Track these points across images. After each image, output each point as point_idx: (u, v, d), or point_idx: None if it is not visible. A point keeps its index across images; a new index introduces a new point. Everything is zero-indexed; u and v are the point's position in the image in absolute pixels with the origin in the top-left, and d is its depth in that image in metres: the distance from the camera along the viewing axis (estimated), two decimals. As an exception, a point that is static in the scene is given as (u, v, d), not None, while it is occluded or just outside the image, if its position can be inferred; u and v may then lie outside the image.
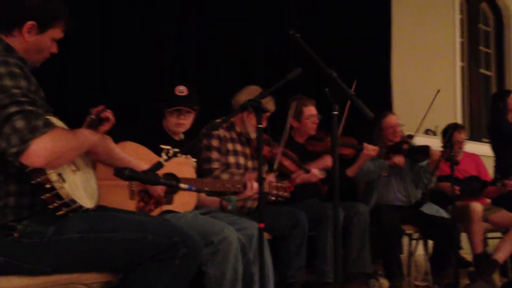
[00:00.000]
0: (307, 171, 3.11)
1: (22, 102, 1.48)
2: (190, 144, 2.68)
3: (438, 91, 3.78)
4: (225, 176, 2.83)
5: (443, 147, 3.58)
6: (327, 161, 3.36)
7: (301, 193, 3.28)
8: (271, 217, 2.80)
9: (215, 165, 2.85)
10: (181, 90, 2.56)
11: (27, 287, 1.60)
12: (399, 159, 3.72)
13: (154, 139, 2.52)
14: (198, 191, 2.07)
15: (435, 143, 4.51)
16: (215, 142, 2.88)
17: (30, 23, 1.66)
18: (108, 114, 2.14)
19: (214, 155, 2.86)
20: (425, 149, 3.74)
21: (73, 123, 2.00)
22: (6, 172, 1.55)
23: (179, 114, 2.55)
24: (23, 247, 1.56)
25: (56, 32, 1.73)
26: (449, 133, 3.49)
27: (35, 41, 1.69)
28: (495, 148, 4.56)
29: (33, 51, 1.71)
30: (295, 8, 4.14)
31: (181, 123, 2.57)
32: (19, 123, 1.44)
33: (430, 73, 5.57)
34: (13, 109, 1.46)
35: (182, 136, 2.72)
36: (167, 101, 2.56)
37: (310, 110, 3.50)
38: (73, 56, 2.84)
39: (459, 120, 5.89)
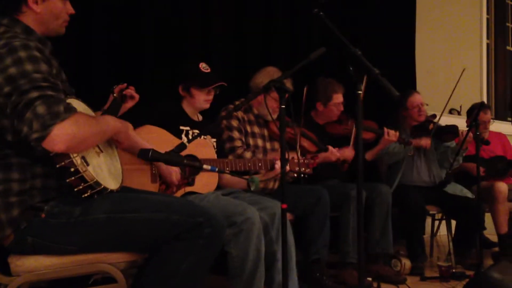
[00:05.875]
0: (326, 150, 3.10)
1: (43, 87, 1.47)
2: (211, 126, 2.68)
3: (464, 69, 3.68)
4: (248, 154, 2.84)
5: (468, 127, 3.51)
6: (348, 153, 3.28)
7: (322, 173, 3.27)
8: (293, 197, 2.79)
9: (238, 143, 2.88)
10: (205, 67, 2.61)
11: (54, 266, 1.63)
12: (426, 142, 3.66)
13: (174, 121, 2.53)
14: (220, 171, 2.07)
15: (459, 123, 4.42)
16: (235, 122, 2.91)
17: None
18: (132, 91, 2.14)
19: (236, 134, 2.89)
20: (454, 129, 3.67)
21: (97, 102, 2.01)
22: (32, 154, 1.56)
23: (209, 91, 2.59)
24: (50, 227, 1.59)
25: None
26: (474, 113, 3.40)
27: (46, 9, 1.66)
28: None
29: (49, 20, 1.68)
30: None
31: (210, 99, 2.63)
32: (40, 109, 1.43)
33: (455, 51, 5.44)
34: (34, 94, 1.45)
35: (200, 118, 2.72)
36: (198, 80, 2.57)
37: (339, 98, 3.45)
38: (96, 36, 2.84)
39: (485, 99, 5.75)
